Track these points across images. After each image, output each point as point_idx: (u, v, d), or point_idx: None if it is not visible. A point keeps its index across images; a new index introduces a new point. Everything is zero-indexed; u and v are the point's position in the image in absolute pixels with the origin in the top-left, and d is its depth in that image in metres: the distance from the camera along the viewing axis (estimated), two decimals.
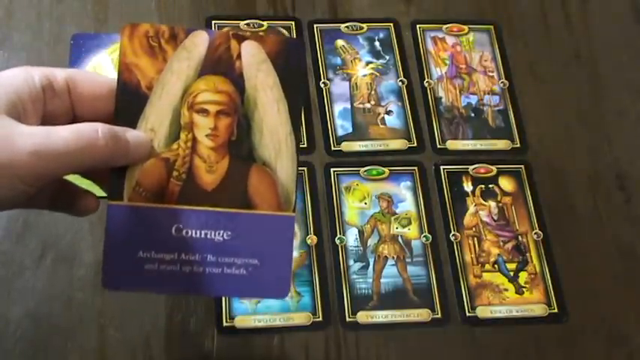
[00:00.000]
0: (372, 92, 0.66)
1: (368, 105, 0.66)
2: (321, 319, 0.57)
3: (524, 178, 0.64)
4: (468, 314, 0.58)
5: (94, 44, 0.63)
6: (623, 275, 0.61)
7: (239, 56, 0.39)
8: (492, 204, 0.63)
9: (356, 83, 0.67)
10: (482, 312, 0.58)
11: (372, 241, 0.60)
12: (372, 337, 0.57)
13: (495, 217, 0.62)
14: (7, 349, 0.53)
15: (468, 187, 0.63)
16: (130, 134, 0.37)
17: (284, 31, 0.67)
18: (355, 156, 0.63)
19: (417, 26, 0.70)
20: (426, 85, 0.67)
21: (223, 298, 0.56)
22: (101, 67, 0.62)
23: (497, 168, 0.64)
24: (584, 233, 0.62)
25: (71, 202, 0.40)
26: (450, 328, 0.58)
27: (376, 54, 0.68)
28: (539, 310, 0.59)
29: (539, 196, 0.63)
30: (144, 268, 0.38)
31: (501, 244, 0.61)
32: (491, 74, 0.69)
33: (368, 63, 0.68)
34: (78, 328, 0.54)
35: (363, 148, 0.64)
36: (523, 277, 0.60)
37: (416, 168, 0.63)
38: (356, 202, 0.61)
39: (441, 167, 0.64)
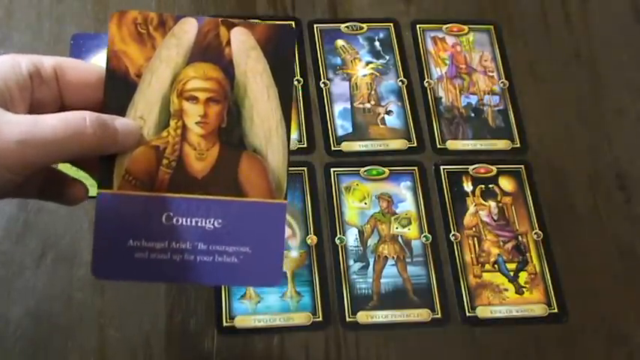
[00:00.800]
0: (372, 92, 0.66)
1: (368, 105, 0.66)
2: (321, 319, 0.57)
3: (524, 178, 0.64)
4: (468, 314, 0.58)
5: (94, 44, 0.63)
6: (623, 275, 0.61)
7: (228, 43, 0.39)
8: (492, 204, 0.63)
9: (356, 83, 0.67)
10: (482, 312, 0.58)
11: (372, 241, 0.60)
12: (372, 337, 0.57)
13: (495, 217, 0.62)
14: (7, 349, 0.53)
15: (468, 187, 0.63)
16: (119, 122, 0.36)
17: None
18: (355, 156, 0.63)
19: (417, 26, 0.70)
20: (426, 85, 0.67)
21: (223, 298, 0.56)
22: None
23: (497, 168, 0.64)
24: (584, 233, 0.62)
25: (60, 191, 0.39)
26: (450, 328, 0.58)
27: (376, 54, 0.68)
28: (539, 310, 0.59)
29: (539, 196, 0.63)
30: (134, 256, 0.37)
31: (501, 244, 0.61)
32: (491, 74, 0.69)
33: (368, 63, 0.68)
34: (78, 327, 0.54)
35: (363, 148, 0.64)
36: (523, 277, 0.60)
37: (416, 168, 0.63)
38: (356, 202, 0.61)
39: (441, 167, 0.64)
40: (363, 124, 0.65)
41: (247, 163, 0.39)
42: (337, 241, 0.60)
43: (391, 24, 0.70)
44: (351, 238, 0.60)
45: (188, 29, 0.39)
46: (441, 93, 0.67)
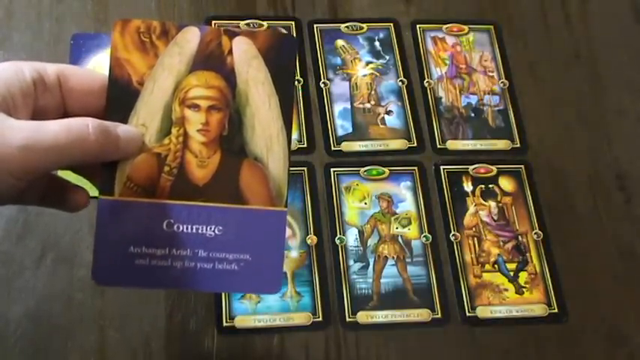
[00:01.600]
0: (372, 92, 0.66)
1: (368, 105, 0.66)
2: (321, 319, 0.57)
3: (524, 178, 0.64)
4: (468, 314, 0.58)
5: (94, 44, 0.63)
6: (623, 275, 0.61)
7: (230, 52, 0.39)
8: (492, 204, 0.63)
9: (356, 83, 0.67)
10: (482, 312, 0.58)
11: (372, 241, 0.60)
12: (372, 337, 0.57)
13: (495, 217, 0.62)
14: (7, 349, 0.53)
15: (468, 187, 0.63)
16: (121, 129, 0.37)
17: (284, 31, 0.67)
18: (355, 156, 0.63)
19: (417, 26, 0.70)
20: (426, 85, 0.67)
21: (223, 298, 0.56)
22: (101, 67, 0.62)
23: (497, 168, 0.64)
24: (584, 233, 0.62)
25: (62, 197, 0.39)
26: (450, 328, 0.58)
27: (376, 54, 0.68)
28: (539, 310, 0.59)
29: (539, 196, 0.63)
30: (134, 263, 0.37)
31: (501, 244, 0.61)
32: (491, 74, 0.69)
33: (368, 63, 0.68)
34: (78, 328, 0.54)
35: (363, 148, 0.64)
36: (523, 277, 0.60)
37: (416, 168, 0.63)
38: (356, 202, 0.61)
39: (441, 167, 0.64)
40: (363, 124, 0.65)
41: (248, 171, 0.39)
42: (337, 241, 0.60)
43: (391, 24, 0.70)
44: (351, 238, 0.60)
45: (190, 38, 0.39)
46: (441, 93, 0.67)
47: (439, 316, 0.58)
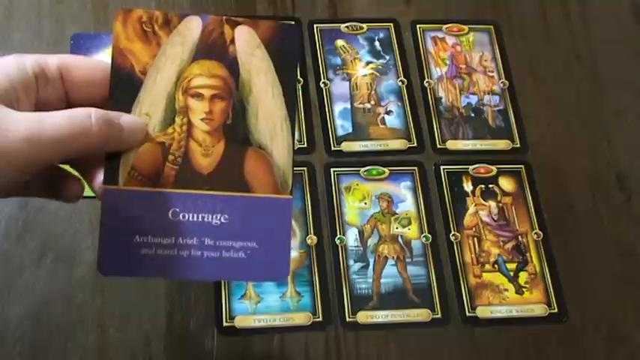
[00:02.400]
0: (372, 92, 0.66)
1: (368, 105, 0.66)
2: (321, 319, 0.57)
3: (524, 178, 0.64)
4: (468, 314, 0.58)
5: (94, 44, 0.63)
6: (623, 275, 0.61)
7: (233, 41, 0.39)
8: (492, 204, 0.63)
9: (356, 83, 0.67)
10: (482, 312, 0.58)
11: (372, 241, 0.60)
12: (372, 337, 0.57)
13: (495, 217, 0.62)
14: (7, 349, 0.53)
15: (468, 187, 0.63)
16: (124, 119, 0.37)
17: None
18: (355, 156, 0.63)
19: (417, 26, 0.70)
20: (426, 85, 0.67)
21: (223, 298, 0.56)
22: None
23: (497, 168, 0.64)
24: (584, 233, 0.62)
25: (59, 187, 0.39)
26: (450, 328, 0.58)
27: (376, 54, 0.68)
28: (539, 310, 0.59)
29: (539, 196, 0.63)
30: (140, 253, 0.37)
31: (501, 244, 0.61)
32: (491, 74, 0.69)
33: (368, 63, 0.68)
34: (78, 328, 0.54)
35: (363, 148, 0.64)
36: (523, 277, 0.60)
37: (416, 168, 0.63)
38: (356, 202, 0.61)
39: (441, 167, 0.64)
40: (363, 124, 0.65)
41: (253, 159, 0.39)
42: (337, 241, 0.60)
43: (391, 24, 0.70)
44: (351, 238, 0.60)
45: (193, 27, 0.39)
46: (441, 93, 0.67)
47: (439, 316, 0.58)
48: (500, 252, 0.61)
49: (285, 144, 0.39)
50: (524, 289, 0.60)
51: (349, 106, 0.66)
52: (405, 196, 0.62)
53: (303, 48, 0.67)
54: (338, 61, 0.67)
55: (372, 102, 0.66)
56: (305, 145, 0.63)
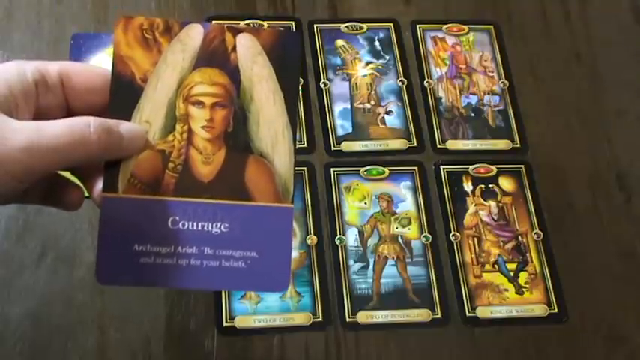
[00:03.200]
0: (372, 92, 0.66)
1: (368, 105, 0.66)
2: (321, 319, 0.57)
3: (524, 178, 0.64)
4: (468, 314, 0.58)
5: (94, 44, 0.63)
6: (623, 275, 0.61)
7: (234, 49, 0.39)
8: (492, 204, 0.63)
9: (356, 83, 0.67)
10: (482, 312, 0.58)
11: (372, 241, 0.60)
12: (372, 337, 0.57)
13: (495, 217, 0.62)
14: (7, 349, 0.53)
15: (468, 187, 0.63)
16: (124, 127, 0.36)
17: (289, 30, 0.67)
18: (355, 156, 0.63)
19: (417, 26, 0.70)
20: (426, 85, 0.67)
21: (223, 298, 0.56)
22: (102, 66, 0.62)
23: (497, 168, 0.64)
24: (584, 233, 0.62)
25: (60, 195, 0.39)
26: (450, 328, 0.58)
27: (376, 54, 0.68)
28: (539, 310, 0.59)
29: (539, 196, 0.63)
30: (139, 261, 0.37)
31: (501, 244, 0.61)
32: (491, 74, 0.69)
33: (368, 63, 0.68)
34: (78, 328, 0.54)
35: (363, 148, 0.64)
36: (523, 277, 0.60)
37: (416, 168, 0.63)
38: (356, 202, 0.61)
39: (441, 167, 0.64)
40: (363, 124, 0.65)
41: (254, 167, 0.39)
42: (337, 241, 0.60)
43: (391, 24, 0.70)
44: (351, 238, 0.60)
45: (194, 35, 0.39)
46: (441, 93, 0.67)
47: (439, 316, 0.58)
48: (500, 252, 0.61)
49: (286, 152, 0.39)
50: (524, 289, 0.60)
51: (349, 106, 0.66)
52: (405, 196, 0.62)
53: (304, 55, 0.67)
54: (338, 61, 0.67)
55: (372, 102, 0.66)
56: (305, 145, 0.63)
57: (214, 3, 0.68)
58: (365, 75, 0.67)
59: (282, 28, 0.67)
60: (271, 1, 0.69)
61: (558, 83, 0.69)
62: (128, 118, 0.37)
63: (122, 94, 0.38)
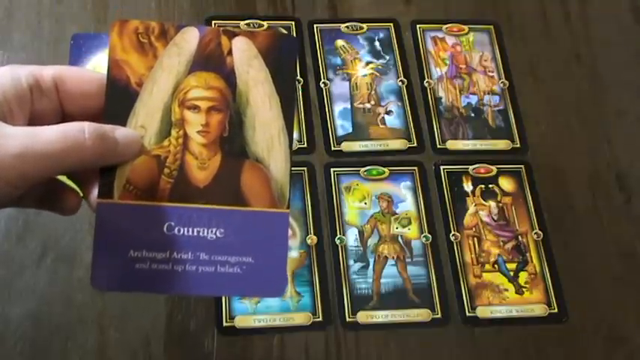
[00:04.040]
0: (372, 92, 0.66)
1: (368, 105, 0.66)
2: (321, 319, 0.57)
3: (524, 178, 0.64)
4: (468, 314, 0.58)
5: (94, 44, 0.63)
6: (622, 275, 0.61)
7: (230, 52, 0.39)
8: (492, 204, 0.63)
9: (356, 83, 0.67)
10: (483, 312, 0.58)
11: (372, 241, 0.60)
12: (372, 337, 0.57)
13: (495, 217, 0.62)
14: (7, 349, 0.53)
15: (468, 187, 0.63)
16: (119, 133, 0.36)
17: (284, 31, 0.67)
18: (355, 156, 0.63)
19: (417, 26, 0.70)
20: (426, 85, 0.67)
21: (223, 298, 0.56)
22: (101, 67, 0.61)
23: (497, 168, 0.64)
24: (584, 233, 0.62)
25: (57, 199, 0.39)
26: (450, 328, 0.58)
27: (376, 54, 0.68)
28: (539, 310, 0.59)
29: (539, 196, 0.63)
30: (135, 267, 0.37)
31: (501, 244, 0.61)
32: (491, 74, 0.69)
33: (368, 63, 0.68)
34: (78, 328, 0.54)
35: (363, 148, 0.64)
36: (523, 277, 0.60)
37: (416, 168, 0.63)
38: (356, 202, 0.61)
39: (441, 167, 0.64)
40: (363, 124, 0.65)
41: (249, 172, 0.38)
42: (337, 241, 0.60)
43: (391, 24, 0.70)
44: (351, 238, 0.60)
45: (189, 38, 0.39)
46: (441, 93, 0.67)
47: (439, 316, 0.58)
48: (500, 252, 0.61)
49: (282, 156, 0.39)
50: (524, 289, 0.60)
51: (349, 106, 0.66)
52: (405, 196, 0.62)
53: (303, 48, 0.67)
54: (338, 61, 0.67)
55: (372, 102, 0.66)
56: (305, 145, 0.63)
57: (214, 3, 0.68)
58: (365, 75, 0.67)
59: (280, 30, 0.67)
60: (271, 1, 0.69)
61: (558, 83, 0.69)
62: (123, 123, 0.37)
63: (117, 99, 0.37)
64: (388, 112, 0.66)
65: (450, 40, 0.70)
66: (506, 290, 0.59)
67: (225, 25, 0.67)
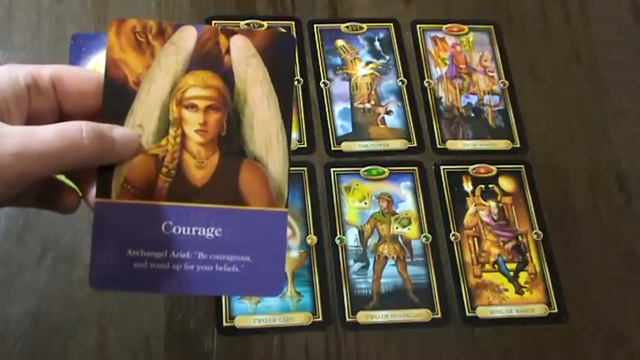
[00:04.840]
0: (372, 92, 0.66)
1: (368, 105, 0.66)
2: (321, 319, 0.57)
3: (524, 178, 0.64)
4: (468, 314, 0.58)
5: (94, 44, 0.63)
6: (623, 275, 0.61)
7: (228, 51, 0.39)
8: (492, 204, 0.63)
9: (356, 83, 0.67)
10: (483, 312, 0.58)
11: (372, 241, 0.60)
12: (372, 337, 0.57)
13: (495, 217, 0.62)
14: (7, 349, 0.53)
15: (468, 187, 0.63)
16: (117, 132, 0.36)
17: (282, 30, 0.67)
18: (355, 156, 0.63)
19: (417, 26, 0.70)
20: (426, 85, 0.67)
21: (223, 298, 0.56)
22: (101, 68, 0.62)
23: (497, 168, 0.64)
24: (584, 233, 0.62)
25: (55, 198, 0.39)
26: (450, 328, 0.58)
27: (376, 54, 0.68)
28: (539, 310, 0.59)
29: (539, 196, 0.63)
30: (132, 267, 0.37)
31: (501, 244, 0.61)
32: (491, 74, 0.69)
33: (368, 63, 0.68)
34: (78, 327, 0.54)
35: (363, 148, 0.64)
36: (523, 277, 0.60)
37: (416, 168, 0.63)
38: (356, 202, 0.61)
39: (441, 167, 0.64)
40: (363, 124, 0.65)
41: (248, 171, 0.38)
42: (337, 241, 0.60)
43: (391, 24, 0.70)
44: (351, 238, 0.60)
45: (187, 37, 0.39)
46: (441, 93, 0.67)
47: (439, 316, 0.58)
48: (500, 252, 0.61)
49: (280, 155, 0.39)
50: (524, 289, 0.60)
51: (349, 106, 0.66)
52: (405, 196, 0.62)
53: (303, 48, 0.67)
54: (338, 61, 0.67)
55: (372, 102, 0.66)
56: (305, 145, 0.63)
57: (214, 3, 0.68)
58: (365, 75, 0.67)
59: (280, 29, 0.67)
60: (271, 1, 0.69)
61: (558, 83, 0.69)
62: (121, 123, 0.37)
63: (115, 98, 0.37)
64: (388, 112, 0.66)
65: (450, 40, 0.70)
66: (506, 290, 0.59)
67: (225, 25, 0.67)
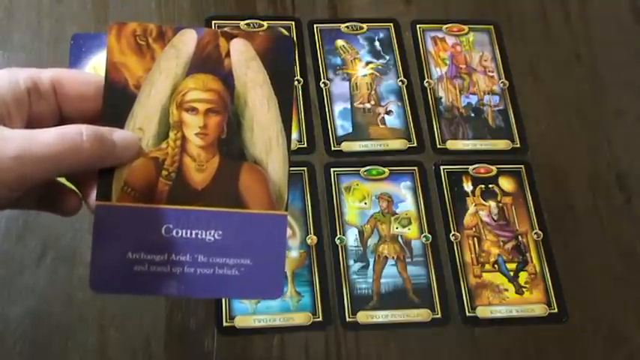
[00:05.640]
0: (372, 92, 0.67)
1: (368, 105, 0.66)
2: (321, 319, 0.57)
3: (524, 178, 0.64)
4: (468, 314, 0.58)
5: (94, 44, 0.63)
6: (623, 275, 0.61)
7: (228, 54, 0.39)
8: (492, 204, 0.63)
9: (356, 83, 0.67)
10: (483, 312, 0.58)
11: (372, 241, 0.60)
12: (372, 337, 0.57)
13: (495, 217, 0.62)
14: (7, 349, 0.53)
15: (468, 187, 0.63)
16: (117, 135, 0.36)
17: (284, 32, 0.67)
18: (355, 156, 0.63)
19: (417, 26, 0.70)
20: (426, 85, 0.67)
21: (223, 298, 0.56)
22: (101, 67, 0.61)
23: (497, 168, 0.64)
24: (584, 233, 0.62)
25: (57, 200, 0.39)
26: (450, 328, 0.58)
27: (376, 54, 0.68)
28: (539, 310, 0.59)
29: (539, 196, 0.63)
30: (133, 269, 0.37)
31: (501, 244, 0.61)
32: (491, 74, 0.69)
33: (368, 63, 0.68)
34: (78, 327, 0.54)
35: (363, 148, 0.64)
36: (523, 277, 0.60)
37: (416, 168, 0.63)
38: (356, 202, 0.61)
39: (441, 167, 0.64)
40: (363, 124, 0.65)
41: (248, 174, 0.38)
42: (337, 241, 0.60)
43: (391, 24, 0.70)
44: (351, 238, 0.60)
45: (187, 40, 0.39)
46: (441, 93, 0.67)
47: (439, 316, 0.58)
48: (500, 252, 0.61)
49: (280, 158, 0.39)
50: (524, 289, 0.60)
51: (349, 106, 0.66)
52: (405, 196, 0.62)
53: (303, 48, 0.67)
54: (338, 61, 0.67)
55: (372, 102, 0.66)
56: (305, 145, 0.63)
57: (214, 3, 0.68)
58: (365, 75, 0.67)
59: (281, 30, 0.67)
60: (271, 1, 0.69)
61: (558, 83, 0.69)
62: (121, 126, 0.37)
63: (115, 102, 0.37)
64: (388, 112, 0.66)
65: (450, 40, 0.70)
66: (506, 290, 0.59)
67: (225, 25, 0.67)
